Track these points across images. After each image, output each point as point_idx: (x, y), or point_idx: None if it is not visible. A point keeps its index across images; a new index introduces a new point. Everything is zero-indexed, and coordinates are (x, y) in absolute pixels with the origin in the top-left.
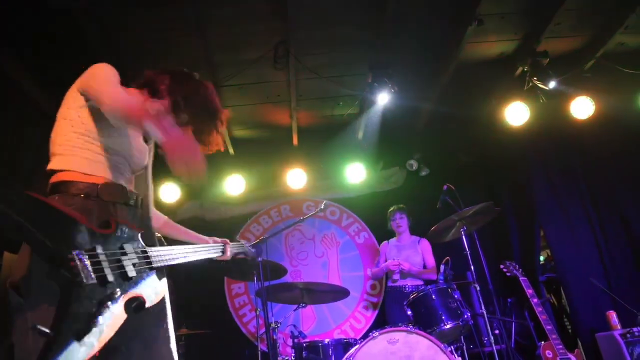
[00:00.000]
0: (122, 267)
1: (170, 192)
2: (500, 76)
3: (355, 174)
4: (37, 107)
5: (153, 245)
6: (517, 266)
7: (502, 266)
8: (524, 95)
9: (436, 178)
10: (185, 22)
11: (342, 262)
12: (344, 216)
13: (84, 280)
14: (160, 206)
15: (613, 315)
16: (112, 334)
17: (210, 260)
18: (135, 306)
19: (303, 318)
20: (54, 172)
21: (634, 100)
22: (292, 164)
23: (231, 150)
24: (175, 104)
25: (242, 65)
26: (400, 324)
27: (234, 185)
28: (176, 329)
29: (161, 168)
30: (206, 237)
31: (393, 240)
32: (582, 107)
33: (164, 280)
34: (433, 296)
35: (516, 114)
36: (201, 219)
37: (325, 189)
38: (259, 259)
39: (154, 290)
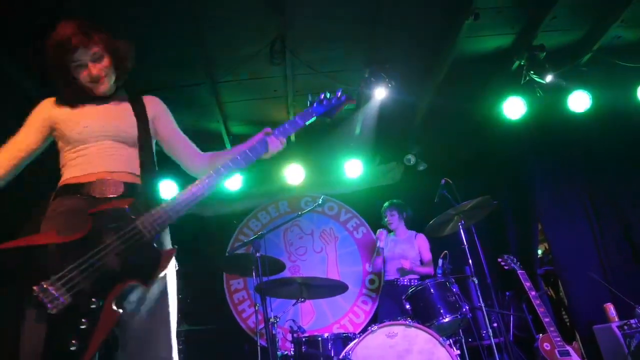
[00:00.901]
0: (103, 265)
1: (167, 188)
2: (497, 70)
3: (353, 169)
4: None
5: (151, 207)
6: (515, 259)
7: (500, 260)
8: (521, 89)
9: (434, 172)
10: (181, 18)
11: (340, 257)
12: (342, 211)
13: (54, 310)
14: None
15: (610, 308)
16: (103, 336)
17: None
18: (126, 293)
19: (302, 313)
20: (59, 181)
21: (631, 94)
22: (290, 159)
23: (228, 147)
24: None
25: (239, 61)
26: (396, 319)
27: (232, 181)
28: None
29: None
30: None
31: (390, 234)
32: (579, 101)
33: (166, 242)
34: (431, 290)
35: (513, 108)
36: (199, 216)
37: (323, 184)
38: (258, 254)
39: (149, 263)
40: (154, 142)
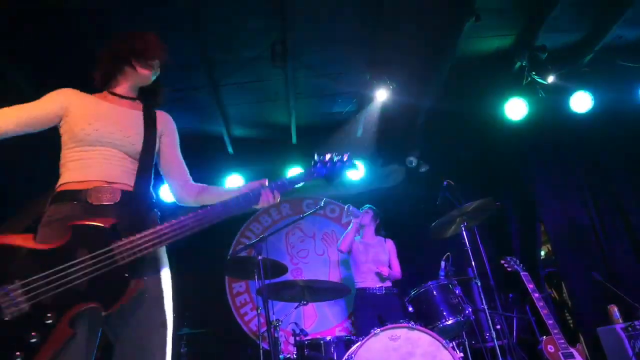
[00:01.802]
0: (69, 282)
1: (168, 192)
2: (498, 71)
3: (355, 171)
4: None
5: (138, 230)
6: (517, 261)
7: (502, 261)
8: (523, 90)
9: (436, 174)
10: (183, 20)
11: (342, 259)
12: (344, 214)
13: (8, 317)
14: (159, 206)
15: (614, 309)
16: (50, 353)
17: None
18: (92, 313)
19: (304, 316)
20: (56, 186)
21: (633, 93)
22: (291, 162)
23: (230, 149)
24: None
25: (240, 64)
26: (372, 330)
27: (233, 184)
28: (178, 328)
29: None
30: (239, 188)
31: (360, 238)
32: (581, 102)
33: (163, 270)
34: (434, 292)
35: (515, 109)
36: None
37: (324, 186)
38: (260, 257)
39: (116, 288)
40: (155, 156)
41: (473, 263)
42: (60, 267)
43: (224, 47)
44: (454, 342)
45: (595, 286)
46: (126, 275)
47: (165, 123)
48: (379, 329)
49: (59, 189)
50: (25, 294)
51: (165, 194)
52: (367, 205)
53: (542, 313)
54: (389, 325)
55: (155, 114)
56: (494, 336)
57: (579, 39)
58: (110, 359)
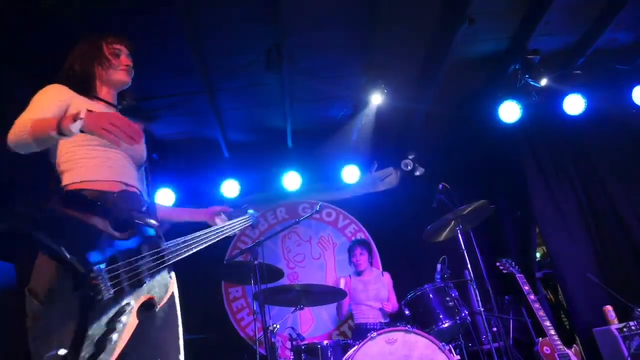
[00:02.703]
0: (139, 274)
1: (165, 197)
2: (493, 74)
3: (351, 175)
4: None
5: (162, 237)
6: (513, 263)
7: (498, 264)
8: (517, 93)
9: (431, 177)
10: (178, 26)
11: (339, 264)
12: (340, 217)
13: (104, 298)
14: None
15: (610, 310)
16: (124, 344)
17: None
18: (145, 307)
19: (301, 320)
20: (67, 187)
21: (626, 96)
22: (287, 166)
23: (226, 154)
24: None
25: (236, 69)
26: (369, 334)
27: (230, 189)
28: None
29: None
30: (202, 210)
31: (354, 275)
32: (574, 104)
33: (172, 273)
34: (430, 295)
35: (509, 111)
36: (197, 224)
37: (320, 190)
38: (256, 262)
39: (164, 286)
40: None
41: (469, 265)
42: (135, 257)
43: (220, 52)
44: (450, 345)
45: (591, 287)
46: (170, 274)
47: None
48: (375, 333)
49: (77, 188)
50: (112, 279)
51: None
52: (356, 241)
53: (538, 315)
54: (386, 329)
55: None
56: (491, 338)
57: (572, 42)
58: None
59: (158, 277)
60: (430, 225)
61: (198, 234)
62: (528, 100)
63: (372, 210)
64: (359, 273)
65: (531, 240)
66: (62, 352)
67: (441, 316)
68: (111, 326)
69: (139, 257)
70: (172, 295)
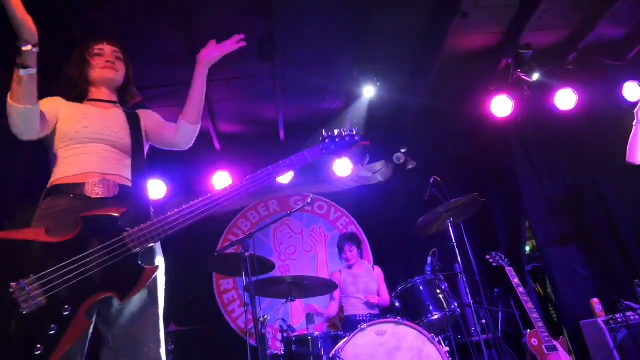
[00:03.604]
0: (82, 273)
1: (156, 188)
2: (485, 69)
3: (342, 168)
4: None
5: (137, 222)
6: (503, 256)
7: (488, 257)
8: (509, 87)
9: (423, 171)
10: (169, 15)
11: (330, 256)
12: (331, 210)
13: (26, 311)
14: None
15: (597, 303)
16: (70, 345)
17: None
18: (105, 303)
19: (292, 312)
20: (49, 181)
21: (616, 91)
22: (279, 158)
23: (217, 146)
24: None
25: (227, 60)
26: (359, 325)
27: (221, 180)
28: (165, 325)
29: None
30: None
31: (345, 268)
32: (565, 99)
33: (158, 258)
34: (421, 287)
35: (501, 106)
36: None
37: (312, 183)
38: (247, 254)
39: (131, 277)
40: (146, 150)
41: (459, 258)
42: (74, 258)
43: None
44: (440, 337)
45: (579, 280)
46: (140, 263)
47: (148, 116)
48: (365, 325)
49: (53, 184)
50: (41, 287)
51: (151, 191)
52: (346, 236)
53: (526, 307)
54: (376, 321)
55: (137, 114)
56: (480, 330)
57: (563, 37)
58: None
59: (119, 271)
60: (422, 218)
61: (182, 208)
62: (520, 95)
63: (363, 203)
64: (350, 267)
65: (521, 234)
66: None
67: (431, 308)
68: (40, 333)
69: (82, 255)
70: (152, 284)
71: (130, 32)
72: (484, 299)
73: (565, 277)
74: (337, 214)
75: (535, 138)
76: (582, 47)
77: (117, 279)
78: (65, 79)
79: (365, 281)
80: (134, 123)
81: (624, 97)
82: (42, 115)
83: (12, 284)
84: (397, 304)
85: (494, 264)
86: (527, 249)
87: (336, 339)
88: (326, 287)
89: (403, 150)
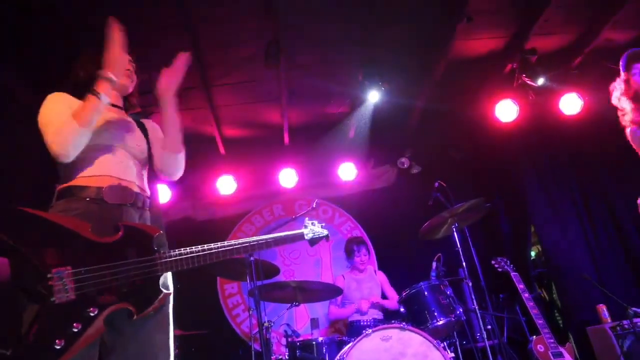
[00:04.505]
0: (114, 280)
1: (160, 193)
2: (490, 73)
3: (347, 172)
4: (29, 110)
5: (163, 245)
6: (508, 262)
7: (493, 262)
8: (514, 92)
9: (427, 175)
10: (175, 20)
11: (334, 261)
12: (336, 214)
13: (57, 301)
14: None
15: (603, 309)
16: (84, 345)
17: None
18: (121, 313)
19: (296, 317)
20: (60, 183)
21: None
22: (284, 162)
23: (222, 150)
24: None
25: (233, 64)
26: (364, 330)
27: (226, 185)
28: None
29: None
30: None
31: (347, 273)
32: (570, 104)
33: (168, 282)
34: (425, 293)
35: (506, 110)
36: (193, 220)
37: (317, 187)
38: (251, 258)
39: (148, 298)
40: None
41: (464, 263)
42: (112, 263)
43: (217, 47)
44: (445, 342)
45: (585, 286)
46: (160, 285)
47: (152, 130)
48: (370, 330)
49: (66, 185)
50: (75, 282)
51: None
52: (354, 240)
53: (532, 313)
54: (381, 326)
55: (143, 124)
56: (485, 336)
57: (569, 42)
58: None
59: (142, 288)
60: (426, 223)
61: (209, 246)
62: (525, 100)
63: (368, 208)
64: (361, 271)
65: (526, 239)
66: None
67: (436, 314)
68: (64, 328)
69: (119, 263)
70: (166, 305)
71: (135, 37)
72: (489, 305)
73: (571, 283)
74: (341, 218)
75: (541, 142)
76: (588, 52)
77: (139, 295)
78: (77, 78)
79: (369, 286)
80: (145, 132)
81: None
82: None
83: (53, 270)
84: (402, 310)
85: (500, 270)
86: (533, 254)
87: (341, 344)
88: (330, 291)
89: (408, 155)
